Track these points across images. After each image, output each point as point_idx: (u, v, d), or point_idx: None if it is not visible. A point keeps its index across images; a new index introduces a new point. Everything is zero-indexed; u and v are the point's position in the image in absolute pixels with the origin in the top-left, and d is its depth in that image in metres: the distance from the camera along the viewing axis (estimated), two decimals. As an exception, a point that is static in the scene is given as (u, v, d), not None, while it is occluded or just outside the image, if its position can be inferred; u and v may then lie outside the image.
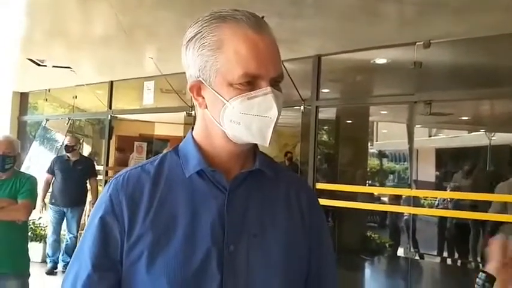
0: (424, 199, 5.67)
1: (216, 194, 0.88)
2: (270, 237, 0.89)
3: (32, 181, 2.84)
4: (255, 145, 0.94)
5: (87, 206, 5.68)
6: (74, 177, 5.41)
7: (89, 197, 5.71)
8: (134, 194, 0.87)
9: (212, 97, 0.86)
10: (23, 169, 7.11)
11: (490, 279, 0.97)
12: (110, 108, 6.48)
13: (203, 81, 0.86)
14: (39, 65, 5.45)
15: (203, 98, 0.88)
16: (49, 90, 7.27)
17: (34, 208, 2.95)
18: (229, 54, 0.83)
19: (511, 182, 4.08)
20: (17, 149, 2.87)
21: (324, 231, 1.00)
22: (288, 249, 0.90)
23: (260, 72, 0.82)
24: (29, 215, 2.78)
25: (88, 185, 5.66)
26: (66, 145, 5.43)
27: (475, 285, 1.02)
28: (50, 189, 5.43)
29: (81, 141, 8.68)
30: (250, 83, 0.83)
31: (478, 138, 8.83)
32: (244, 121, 0.83)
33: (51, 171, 5.39)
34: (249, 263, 0.85)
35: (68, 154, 5.45)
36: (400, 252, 5.63)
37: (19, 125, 7.88)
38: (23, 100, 7.93)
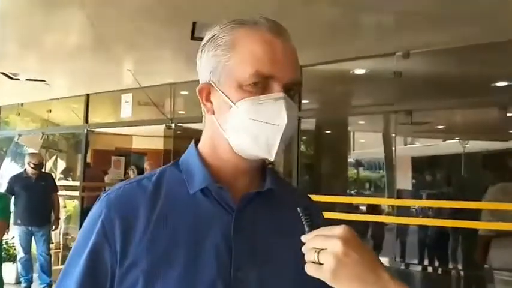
0: (405, 207, 5.71)
1: (222, 215, 0.79)
2: (281, 262, 0.81)
3: (4, 200, 2.71)
4: (264, 161, 0.87)
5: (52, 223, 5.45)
6: (38, 194, 5.18)
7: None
8: (129, 214, 0.77)
9: (220, 100, 0.79)
10: (-6, 186, 6.86)
11: None
12: (87, 122, 6.32)
13: (213, 84, 0.79)
14: (12, 78, 5.28)
15: (211, 103, 0.81)
16: (22, 104, 7.06)
17: (8, 227, 2.81)
18: (243, 53, 0.76)
19: (499, 186, 4.15)
20: None
21: None
22: (300, 274, 0.81)
23: (273, 73, 0.75)
24: (2, 235, 2.66)
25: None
26: (35, 164, 5.15)
27: None
28: (12, 210, 5.17)
29: (55, 156, 8.47)
30: (262, 87, 0.76)
31: (452, 146, 9.02)
32: (250, 128, 0.76)
33: (10, 190, 5.10)
34: None
35: (29, 172, 5.21)
36: (385, 261, 5.64)
37: (-11, 141, 7.61)
38: (-7, 115, 7.67)
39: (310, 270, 0.68)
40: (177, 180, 0.82)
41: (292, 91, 0.79)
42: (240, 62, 0.76)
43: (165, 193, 0.81)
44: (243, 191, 0.82)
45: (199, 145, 0.86)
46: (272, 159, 0.78)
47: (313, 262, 0.68)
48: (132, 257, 0.75)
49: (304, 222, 0.71)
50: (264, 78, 0.75)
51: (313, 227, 0.71)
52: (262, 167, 0.87)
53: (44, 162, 6.43)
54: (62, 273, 0.80)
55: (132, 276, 0.75)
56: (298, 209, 0.72)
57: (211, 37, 0.80)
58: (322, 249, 0.67)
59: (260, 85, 0.76)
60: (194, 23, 3.37)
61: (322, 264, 0.67)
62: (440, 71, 4.29)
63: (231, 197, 0.80)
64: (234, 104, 0.77)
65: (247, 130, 0.76)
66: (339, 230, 0.67)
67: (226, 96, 0.78)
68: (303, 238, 0.70)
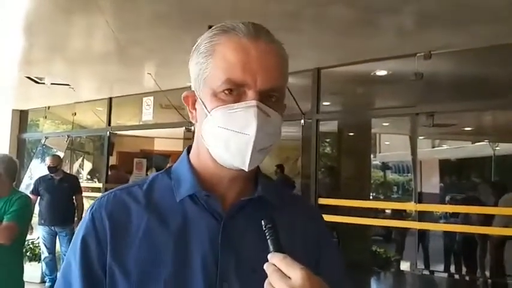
0: (430, 212, 5.57)
1: (210, 223, 0.78)
2: None
3: (21, 201, 2.71)
4: (257, 168, 0.84)
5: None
6: (61, 195, 5.33)
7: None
8: (119, 220, 0.78)
9: (200, 108, 0.78)
10: (22, 187, 7.08)
11: None
12: (109, 124, 6.45)
13: (195, 91, 0.79)
14: (37, 82, 5.44)
15: (196, 110, 0.81)
16: (48, 107, 7.26)
17: (27, 230, 2.86)
18: (218, 60, 0.75)
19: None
20: None
21: (339, 260, 0.91)
22: None
23: (245, 80, 0.73)
24: (11, 238, 2.58)
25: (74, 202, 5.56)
26: (48, 166, 5.34)
27: None
28: (37, 210, 5.31)
29: (82, 158, 8.67)
30: (236, 95, 0.74)
31: (481, 148, 8.75)
32: (222, 137, 0.74)
33: (35, 191, 5.29)
34: None
35: (52, 174, 5.37)
36: (406, 266, 5.51)
37: (18, 143, 7.86)
38: (22, 118, 7.92)
39: None
40: (166, 187, 0.82)
41: (273, 97, 0.75)
42: (214, 70, 0.75)
43: (155, 201, 0.81)
44: (234, 200, 0.80)
45: (190, 153, 0.85)
46: (247, 170, 0.75)
47: None
48: (120, 265, 0.75)
49: (267, 237, 0.69)
50: (236, 85, 0.73)
51: (276, 242, 0.68)
52: (256, 175, 0.84)
53: (70, 163, 6.60)
54: (58, 279, 0.82)
55: (120, 284, 0.75)
56: (262, 221, 0.70)
57: (197, 45, 0.79)
58: None
59: (235, 93, 0.74)
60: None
61: None
62: (463, 72, 4.16)
63: (221, 205, 0.78)
64: (209, 112, 0.75)
65: (219, 139, 0.75)
66: (295, 277, 0.64)
67: (203, 104, 0.77)
68: (270, 257, 0.68)
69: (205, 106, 0.76)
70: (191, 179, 0.80)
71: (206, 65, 0.76)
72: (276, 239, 0.68)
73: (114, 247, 0.76)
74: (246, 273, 0.76)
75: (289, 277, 0.64)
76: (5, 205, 2.67)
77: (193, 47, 0.80)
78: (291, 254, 0.69)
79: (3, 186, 2.77)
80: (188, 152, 0.85)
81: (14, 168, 2.90)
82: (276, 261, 0.66)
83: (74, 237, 0.82)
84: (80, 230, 0.80)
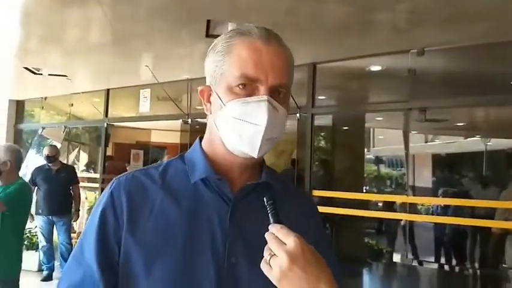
0: (422, 205, 5.68)
1: (220, 204, 0.87)
2: None
3: (16, 187, 2.87)
4: (262, 159, 0.94)
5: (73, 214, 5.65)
6: (58, 185, 5.41)
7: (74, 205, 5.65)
8: (136, 196, 0.87)
9: (215, 101, 0.87)
10: (19, 177, 7.08)
11: None
12: (106, 116, 6.48)
13: (211, 86, 0.89)
14: (35, 73, 5.45)
15: (210, 103, 0.90)
16: (45, 98, 7.27)
17: (25, 218, 2.98)
18: (234, 58, 0.84)
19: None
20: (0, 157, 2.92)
21: (330, 249, 1.00)
22: None
23: (258, 76, 0.82)
24: None
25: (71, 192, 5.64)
26: (47, 156, 5.41)
27: None
28: (34, 200, 5.37)
29: (78, 149, 8.68)
30: (249, 89, 0.83)
31: (474, 143, 8.86)
32: (236, 127, 0.83)
33: (32, 182, 5.35)
34: (250, 277, 0.83)
35: (49, 164, 5.43)
36: (397, 258, 5.62)
37: (15, 133, 7.87)
38: (19, 108, 7.92)
39: (262, 266, 0.75)
40: (180, 171, 0.92)
41: (280, 94, 0.85)
42: (230, 66, 0.85)
43: (169, 181, 0.90)
44: (242, 185, 0.89)
45: (203, 142, 0.95)
46: (256, 157, 0.84)
47: (266, 261, 0.75)
48: (135, 237, 0.84)
49: (268, 211, 0.78)
50: (250, 80, 0.83)
51: (275, 215, 0.78)
52: (260, 164, 0.94)
53: (67, 154, 6.63)
54: (75, 250, 0.90)
55: (134, 255, 0.83)
56: (264, 198, 0.79)
57: (214, 45, 0.90)
58: (275, 254, 0.73)
59: (248, 87, 0.83)
60: (208, 21, 3.43)
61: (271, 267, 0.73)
62: (455, 69, 4.24)
63: (230, 189, 0.88)
64: (224, 104, 0.85)
65: (233, 128, 0.84)
66: (289, 243, 0.73)
67: (219, 97, 0.86)
68: (270, 227, 0.77)
69: (220, 99, 0.86)
70: (204, 164, 0.90)
71: (223, 62, 0.86)
72: (276, 213, 0.78)
73: (130, 222, 0.84)
74: (252, 250, 0.84)
75: (285, 243, 0.73)
76: (4, 190, 2.84)
77: (210, 48, 0.90)
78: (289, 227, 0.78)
79: (11, 174, 2.94)
80: (200, 141, 0.95)
81: (20, 157, 3.08)
82: (274, 230, 0.76)
83: (92, 212, 0.90)
84: (99, 205, 0.88)
